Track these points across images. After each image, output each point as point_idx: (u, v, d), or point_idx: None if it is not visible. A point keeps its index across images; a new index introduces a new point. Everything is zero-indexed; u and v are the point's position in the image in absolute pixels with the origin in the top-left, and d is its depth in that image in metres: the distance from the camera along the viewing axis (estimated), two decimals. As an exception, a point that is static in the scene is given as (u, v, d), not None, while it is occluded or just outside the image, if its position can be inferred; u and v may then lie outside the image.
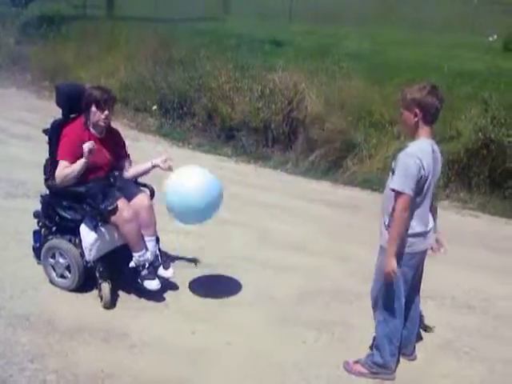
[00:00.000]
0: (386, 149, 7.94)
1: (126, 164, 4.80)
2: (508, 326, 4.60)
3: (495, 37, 13.88)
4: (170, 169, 4.57)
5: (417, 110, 3.44)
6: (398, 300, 3.71)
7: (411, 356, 4.05)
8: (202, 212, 4.33)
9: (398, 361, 3.92)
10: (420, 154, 3.42)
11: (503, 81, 8.62)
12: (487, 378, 3.95)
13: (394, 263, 3.50)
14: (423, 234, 3.63)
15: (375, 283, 3.80)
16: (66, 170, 4.41)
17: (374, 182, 7.68)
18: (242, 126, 9.13)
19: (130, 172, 4.80)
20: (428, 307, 4.63)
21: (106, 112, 4.51)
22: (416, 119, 3.46)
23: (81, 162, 4.38)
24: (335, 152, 8.25)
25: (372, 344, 3.96)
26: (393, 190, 3.45)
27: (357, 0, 21.77)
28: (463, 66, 9.64)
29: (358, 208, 6.97)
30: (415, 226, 3.57)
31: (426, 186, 3.49)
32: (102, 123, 4.53)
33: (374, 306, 3.86)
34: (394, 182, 3.44)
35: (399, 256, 3.55)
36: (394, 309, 3.72)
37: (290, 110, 8.73)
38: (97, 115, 4.50)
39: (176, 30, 12.37)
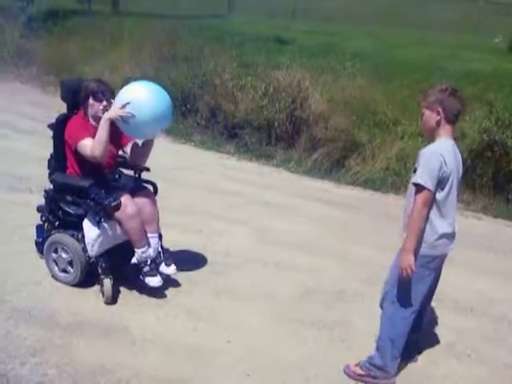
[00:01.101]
0: (389, 149, 7.93)
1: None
2: (510, 329, 4.60)
3: (500, 38, 13.83)
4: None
5: (439, 109, 3.45)
6: (412, 303, 3.63)
7: (413, 358, 4.03)
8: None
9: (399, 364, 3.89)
10: (442, 151, 3.41)
11: (508, 82, 8.59)
12: (489, 381, 3.95)
13: (411, 259, 3.44)
14: (447, 236, 3.57)
15: (390, 282, 3.70)
16: (98, 136, 4.33)
17: (377, 182, 7.68)
18: (245, 123, 9.12)
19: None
20: (431, 309, 4.63)
21: (104, 103, 4.51)
22: (438, 118, 3.46)
23: (104, 122, 4.31)
24: (338, 151, 8.24)
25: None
26: (414, 185, 3.42)
27: (362, -1, 21.74)
28: (468, 67, 9.62)
29: (361, 208, 6.97)
30: (439, 227, 3.51)
31: (448, 184, 3.45)
32: (100, 114, 4.51)
33: (383, 305, 3.79)
34: (417, 177, 3.41)
35: (420, 257, 3.50)
36: (406, 312, 3.65)
37: (293, 109, 8.71)
38: (95, 107, 4.51)
39: (180, 27, 12.34)
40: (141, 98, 4.23)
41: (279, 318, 4.51)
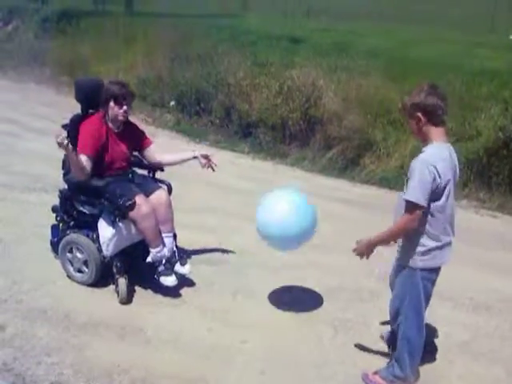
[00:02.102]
0: (404, 147, 7.88)
1: (154, 151, 4.83)
2: (527, 328, 4.56)
3: (515, 35, 13.74)
4: (210, 167, 4.74)
5: (419, 115, 3.31)
6: (419, 316, 3.61)
7: (428, 358, 4.00)
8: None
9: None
10: (435, 160, 3.24)
11: (524, 80, 8.52)
12: (505, 381, 3.90)
13: (369, 252, 3.53)
14: (446, 246, 3.47)
15: (395, 299, 3.68)
16: (77, 168, 4.37)
17: (392, 181, 7.64)
18: (259, 122, 9.13)
19: (167, 157, 4.83)
20: (446, 308, 4.60)
21: (125, 107, 4.52)
22: (421, 124, 3.32)
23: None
24: (353, 150, 8.22)
25: (391, 355, 3.87)
26: (406, 201, 3.30)
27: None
28: (483, 65, 9.54)
29: (376, 206, 6.92)
30: (437, 238, 3.41)
31: (445, 194, 3.31)
32: (120, 117, 4.54)
33: (394, 322, 3.76)
34: (408, 193, 3.28)
35: (421, 271, 3.46)
36: (417, 325, 3.63)
37: (307, 107, 8.70)
38: (115, 110, 4.51)
39: (194, 26, 12.37)
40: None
41: (295, 318, 4.49)
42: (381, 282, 5.00)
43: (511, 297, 4.98)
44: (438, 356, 4.08)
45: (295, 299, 4.76)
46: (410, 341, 3.65)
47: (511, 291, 5.08)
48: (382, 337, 4.19)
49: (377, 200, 7.21)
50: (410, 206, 3.28)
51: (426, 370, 3.92)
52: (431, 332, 4.01)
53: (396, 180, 7.60)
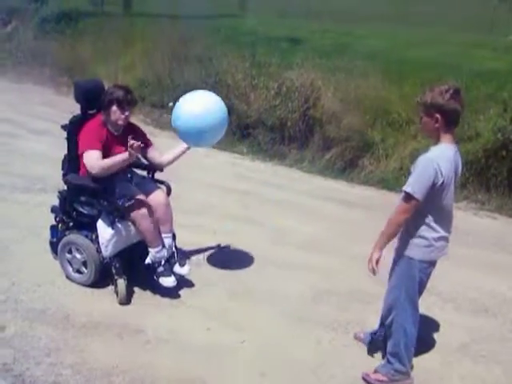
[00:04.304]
0: (402, 148, 7.89)
1: (156, 152, 4.81)
2: (525, 329, 4.56)
3: (514, 36, 13.73)
4: None
5: (438, 116, 3.32)
6: (415, 308, 3.67)
7: (429, 359, 4.01)
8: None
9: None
10: (440, 159, 3.31)
11: (523, 81, 8.52)
12: (504, 382, 3.91)
13: (377, 256, 3.50)
14: (443, 240, 3.54)
15: (392, 291, 3.71)
16: (106, 161, 4.39)
17: (391, 182, 7.64)
18: (258, 123, 9.13)
19: (165, 157, 4.80)
20: (446, 309, 4.61)
21: (127, 113, 4.51)
22: (437, 125, 3.34)
23: (124, 156, 4.35)
24: (352, 151, 8.23)
25: (385, 352, 3.88)
26: (403, 192, 3.38)
27: (374, -1, 21.69)
28: (482, 66, 9.54)
29: (375, 208, 6.92)
30: (436, 233, 3.48)
31: (445, 191, 3.38)
32: (120, 122, 4.52)
33: (388, 314, 3.76)
34: (406, 185, 3.35)
35: (418, 263, 3.52)
36: (415, 316, 3.67)
37: (306, 108, 8.71)
38: (117, 114, 4.49)
39: (193, 27, 12.35)
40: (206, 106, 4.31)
41: (294, 319, 4.50)
42: (380, 284, 5.01)
43: (510, 298, 4.99)
44: (437, 357, 4.09)
45: (294, 300, 4.76)
46: (406, 332, 3.68)
47: (511, 292, 5.09)
48: (358, 337, 4.20)
49: (375, 201, 7.22)
50: (406, 197, 3.37)
51: (425, 371, 3.93)
52: (431, 333, 4.02)
53: (395, 181, 7.60)
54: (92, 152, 4.40)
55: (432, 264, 3.61)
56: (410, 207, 3.37)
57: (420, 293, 3.69)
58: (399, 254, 3.61)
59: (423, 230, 3.48)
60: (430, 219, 3.46)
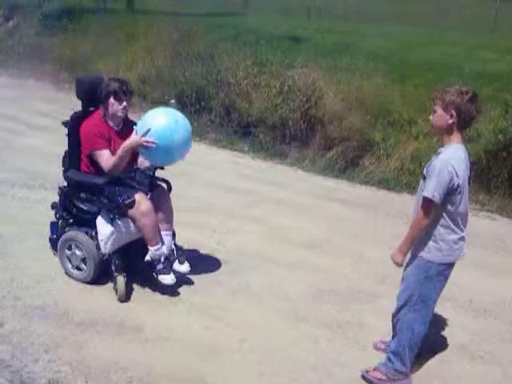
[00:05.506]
0: (403, 148, 7.88)
1: None
2: (525, 331, 4.56)
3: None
4: None
5: (454, 113, 3.36)
6: (428, 310, 3.67)
7: (427, 358, 4.01)
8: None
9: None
10: (454, 160, 3.36)
11: (524, 82, 8.51)
12: (502, 382, 3.91)
13: (401, 260, 3.56)
14: (461, 243, 3.57)
15: (406, 290, 3.69)
16: (114, 159, 4.40)
17: (391, 182, 7.64)
18: (259, 122, 9.12)
19: None
20: (445, 309, 4.59)
21: (125, 103, 4.51)
22: (451, 122, 3.38)
23: (128, 142, 4.31)
24: (353, 150, 8.22)
25: (387, 350, 3.88)
26: (423, 197, 3.42)
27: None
28: (484, 67, 9.53)
29: (375, 207, 6.93)
30: (454, 235, 3.51)
31: (460, 193, 3.42)
32: (119, 114, 4.53)
33: (397, 313, 3.76)
34: (426, 190, 3.39)
35: (437, 266, 3.53)
36: (426, 318, 3.67)
37: (307, 108, 8.69)
38: (115, 106, 4.50)
39: (195, 25, 12.35)
40: (161, 124, 4.22)
41: (293, 318, 4.49)
42: (380, 284, 5.02)
43: (510, 299, 4.98)
44: (436, 357, 4.09)
45: (294, 299, 4.76)
46: (414, 333, 3.68)
47: (510, 294, 5.08)
48: (379, 348, 4.18)
49: (376, 201, 7.21)
50: (426, 202, 3.41)
51: (424, 371, 3.93)
52: (430, 333, 4.01)
53: (395, 181, 7.61)
54: (101, 153, 4.43)
55: (451, 265, 3.62)
56: (430, 212, 3.42)
57: (438, 294, 3.70)
58: (417, 256, 3.61)
59: (443, 233, 3.50)
60: (449, 221, 3.49)
